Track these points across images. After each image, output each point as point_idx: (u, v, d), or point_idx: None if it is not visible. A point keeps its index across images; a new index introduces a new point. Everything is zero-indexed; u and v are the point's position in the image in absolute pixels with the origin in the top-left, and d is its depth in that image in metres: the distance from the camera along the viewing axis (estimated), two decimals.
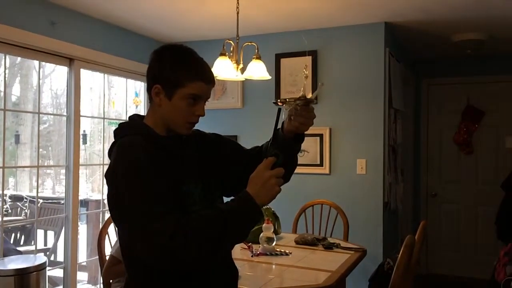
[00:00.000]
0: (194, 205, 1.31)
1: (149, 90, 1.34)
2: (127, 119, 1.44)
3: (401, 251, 1.86)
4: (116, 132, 1.38)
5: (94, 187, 7.17)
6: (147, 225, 1.15)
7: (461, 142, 4.91)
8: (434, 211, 5.09)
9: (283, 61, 3.94)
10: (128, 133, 1.32)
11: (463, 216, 4.95)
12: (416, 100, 5.09)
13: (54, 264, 4.24)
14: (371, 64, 3.65)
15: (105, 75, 3.84)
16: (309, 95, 1.40)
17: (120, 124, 1.39)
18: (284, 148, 1.39)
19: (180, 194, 1.28)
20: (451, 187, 5.00)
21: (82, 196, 5.16)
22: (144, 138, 1.29)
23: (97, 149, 7.18)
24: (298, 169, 4.19)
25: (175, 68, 1.30)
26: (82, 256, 4.68)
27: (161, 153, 1.29)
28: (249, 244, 2.61)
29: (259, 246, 2.59)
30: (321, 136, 3.79)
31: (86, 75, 3.72)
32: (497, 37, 3.92)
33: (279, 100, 1.41)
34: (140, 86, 4.27)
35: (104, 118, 3.92)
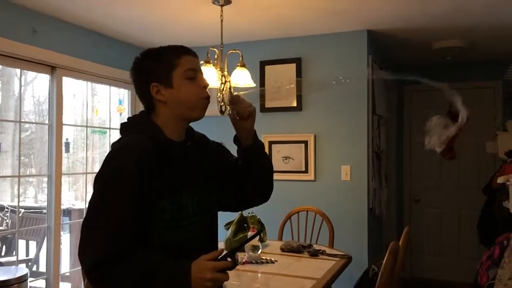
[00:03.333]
0: (187, 218, 1.30)
1: (147, 96, 1.32)
2: (123, 120, 1.41)
3: (385, 258, 1.88)
4: (123, 127, 1.35)
5: (77, 195, 7.07)
6: (89, 241, 1.18)
7: (443, 148, 4.98)
8: (417, 216, 5.14)
9: (268, 68, 3.96)
10: (136, 131, 1.30)
11: (446, 221, 5.02)
12: (399, 106, 5.15)
13: (36, 275, 4.17)
14: (355, 71, 3.69)
15: (88, 82, 3.80)
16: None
17: (129, 119, 1.38)
18: (247, 157, 1.40)
19: (170, 207, 1.26)
20: (434, 192, 5.07)
21: (65, 205, 5.09)
22: (148, 139, 1.27)
23: (80, 157, 7.10)
24: (283, 176, 4.23)
25: (160, 59, 1.31)
26: (65, 267, 4.60)
27: (163, 159, 1.27)
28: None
29: (245, 255, 2.58)
30: (305, 143, 3.81)
31: (69, 82, 3.68)
32: (476, 44, 4.00)
33: (222, 107, 1.43)
34: (123, 94, 4.24)
35: (87, 126, 3.87)
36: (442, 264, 4.99)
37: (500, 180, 3.23)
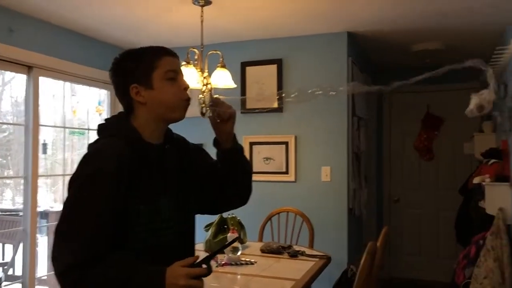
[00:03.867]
0: (163, 222, 1.29)
1: (127, 97, 1.30)
2: (103, 120, 1.38)
3: (363, 258, 1.89)
4: (100, 129, 1.33)
5: (56, 197, 6.95)
6: (63, 244, 1.16)
7: (422, 149, 5.06)
8: (396, 216, 5.21)
9: (249, 69, 3.96)
10: (112, 134, 1.28)
11: (424, 221, 5.09)
12: (378, 108, 5.21)
13: (12, 279, 4.08)
14: (335, 73, 3.72)
15: (67, 83, 3.74)
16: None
17: (106, 120, 1.35)
18: (227, 159, 1.40)
19: (147, 210, 1.25)
20: (413, 193, 5.14)
21: (42, 207, 5.00)
22: (125, 142, 1.25)
23: (60, 159, 6.99)
24: (264, 177, 4.24)
25: (139, 59, 1.30)
26: (42, 270, 4.52)
27: (139, 162, 1.25)
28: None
29: (224, 256, 2.57)
30: (286, 144, 3.82)
31: (49, 82, 3.62)
32: (454, 46, 4.07)
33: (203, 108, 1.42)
34: (103, 94, 4.19)
35: (65, 127, 3.81)
36: (421, 264, 5.06)
37: (476, 180, 3.29)
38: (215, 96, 1.42)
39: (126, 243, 1.22)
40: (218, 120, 1.37)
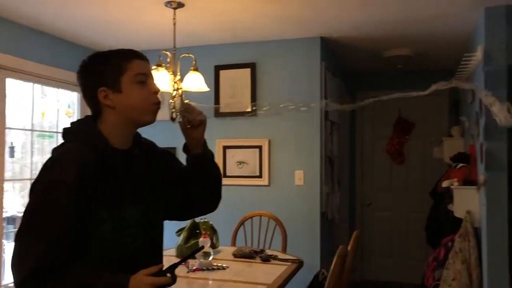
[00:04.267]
0: (128, 228, 1.26)
1: (94, 101, 1.27)
2: (71, 122, 1.34)
3: (333, 262, 1.90)
4: (65, 133, 1.30)
5: (25, 202, 6.76)
6: (24, 251, 1.13)
7: (393, 153, 5.14)
8: (369, 219, 5.27)
9: (222, 73, 3.94)
10: (76, 139, 1.25)
11: (395, 224, 5.17)
12: (351, 112, 5.27)
13: None
14: (308, 77, 3.74)
15: (35, 84, 3.65)
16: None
17: (72, 124, 1.32)
18: (196, 165, 1.39)
19: (111, 217, 1.23)
20: (385, 196, 5.21)
21: (9, 212, 4.84)
22: (89, 148, 1.22)
23: (29, 162, 6.80)
24: (237, 181, 4.22)
25: (108, 62, 1.27)
26: (10, 277, 4.38)
27: (104, 169, 1.22)
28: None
29: (196, 261, 2.54)
30: (260, 148, 3.82)
31: (18, 84, 3.52)
32: (424, 53, 4.16)
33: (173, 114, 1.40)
34: (73, 97, 4.10)
35: (32, 130, 3.71)
36: (392, 266, 5.13)
37: (445, 184, 3.35)
38: (186, 101, 1.40)
39: (89, 251, 1.19)
40: (188, 126, 1.35)
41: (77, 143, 1.24)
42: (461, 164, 3.37)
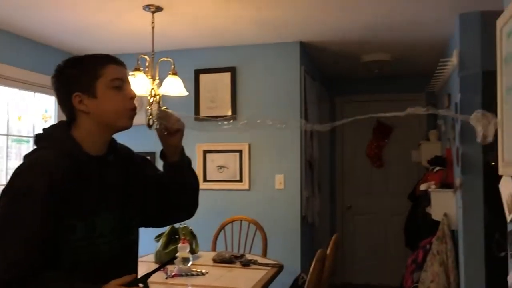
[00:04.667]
0: (102, 236, 1.24)
1: (69, 106, 1.25)
2: (49, 127, 1.31)
3: (312, 266, 1.91)
4: (37, 139, 1.27)
5: None
6: None
7: (372, 156, 5.20)
8: (349, 223, 5.31)
9: (202, 77, 3.93)
10: (46, 146, 1.22)
11: (375, 226, 5.22)
12: (331, 116, 5.31)
13: None
14: (288, 82, 3.76)
15: (10, 89, 3.57)
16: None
17: (44, 130, 1.29)
18: (173, 173, 1.37)
19: (83, 225, 1.20)
20: (364, 199, 5.26)
21: None
22: (61, 155, 1.19)
23: (4, 167, 6.65)
24: (217, 185, 4.19)
25: (83, 67, 1.26)
26: None
27: (77, 176, 1.20)
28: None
29: (175, 267, 2.52)
30: (240, 152, 3.82)
31: None
32: (401, 58, 4.22)
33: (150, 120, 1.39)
34: (50, 101, 4.03)
35: (8, 135, 3.63)
36: (372, 269, 5.17)
37: (422, 187, 3.40)
38: (163, 108, 1.38)
39: (62, 259, 1.16)
40: (165, 133, 1.33)
41: (49, 149, 1.21)
42: (438, 168, 3.42)
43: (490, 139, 1.46)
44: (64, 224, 1.17)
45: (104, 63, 1.26)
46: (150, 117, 1.31)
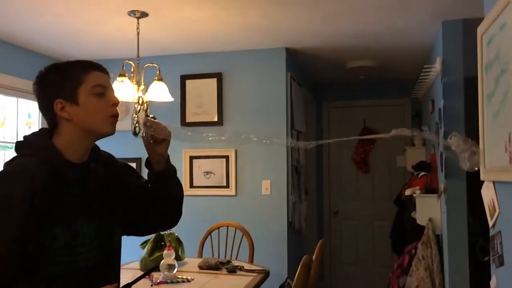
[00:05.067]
0: (83, 244, 1.22)
1: (51, 113, 1.24)
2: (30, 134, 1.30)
3: (297, 272, 1.91)
4: (17, 146, 1.25)
5: None
6: None
7: (359, 162, 5.23)
8: (336, 228, 5.33)
9: (189, 82, 3.92)
10: (27, 153, 1.20)
11: (362, 232, 5.24)
12: (318, 122, 5.34)
13: None
14: (274, 87, 3.77)
15: None
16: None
17: (25, 137, 1.27)
18: (158, 182, 1.36)
19: (64, 233, 1.19)
20: (351, 204, 5.28)
21: None
22: (42, 162, 1.18)
23: None
24: (204, 191, 4.18)
25: (65, 73, 1.24)
26: None
27: (57, 184, 1.19)
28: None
29: (160, 274, 2.49)
30: (227, 157, 3.81)
31: None
32: (386, 64, 4.26)
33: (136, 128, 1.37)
34: (33, 107, 3.98)
35: None
36: (359, 274, 5.18)
37: (407, 192, 3.43)
38: (151, 116, 1.37)
39: (42, 268, 1.14)
40: (151, 141, 1.32)
41: (29, 157, 1.20)
42: (422, 173, 3.45)
43: (476, 168, 1.48)
44: (46, 232, 1.15)
45: (86, 69, 1.25)
46: (137, 125, 1.29)
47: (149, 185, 1.40)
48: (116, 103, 1.27)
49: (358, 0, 2.71)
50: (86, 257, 1.23)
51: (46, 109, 1.26)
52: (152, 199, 1.38)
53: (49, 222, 1.16)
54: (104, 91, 1.26)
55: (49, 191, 1.16)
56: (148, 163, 1.38)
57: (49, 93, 1.24)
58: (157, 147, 1.33)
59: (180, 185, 1.45)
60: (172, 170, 1.40)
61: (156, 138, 1.31)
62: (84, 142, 1.27)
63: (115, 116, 1.27)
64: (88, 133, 1.26)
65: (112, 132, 1.28)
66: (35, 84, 1.27)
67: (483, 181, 1.53)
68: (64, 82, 1.23)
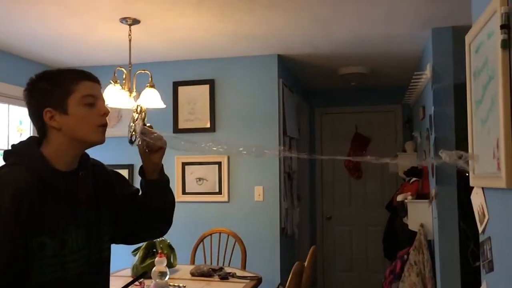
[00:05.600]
0: (71, 253, 1.22)
1: (40, 122, 1.23)
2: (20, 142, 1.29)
3: (289, 278, 1.90)
4: (5, 155, 1.24)
5: None
6: None
7: (351, 168, 5.24)
8: (329, 234, 5.33)
9: (181, 89, 3.92)
10: (14, 162, 1.20)
11: (355, 237, 5.25)
12: (310, 128, 5.35)
13: None
14: (266, 94, 3.78)
15: None
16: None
17: (13, 146, 1.26)
18: (150, 190, 1.36)
19: (52, 242, 1.18)
20: (344, 210, 5.29)
21: None
22: (29, 171, 1.17)
23: None
24: (196, 198, 4.16)
25: (55, 82, 1.24)
26: None
27: (45, 192, 1.18)
28: (141, 280, 2.49)
29: (151, 282, 2.48)
30: (219, 164, 3.81)
31: None
32: (377, 70, 4.30)
33: (132, 137, 1.37)
34: (24, 113, 3.96)
35: None
36: (353, 279, 5.18)
37: (399, 198, 3.44)
38: (148, 124, 1.38)
39: (30, 277, 1.13)
40: (147, 150, 1.33)
41: (17, 166, 1.19)
42: (414, 178, 3.47)
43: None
44: (34, 241, 1.14)
45: (76, 79, 1.25)
46: (133, 133, 1.29)
47: (140, 193, 1.40)
48: (106, 113, 1.27)
49: (349, 8, 2.73)
50: (74, 266, 1.22)
51: (35, 117, 1.25)
52: (143, 207, 1.38)
53: (37, 231, 1.15)
54: (94, 101, 1.26)
55: (37, 200, 1.15)
56: (141, 171, 1.38)
57: (39, 102, 1.24)
58: (152, 156, 1.33)
59: (172, 195, 1.45)
60: (165, 180, 1.41)
61: (151, 147, 1.32)
62: (73, 150, 1.26)
63: (104, 126, 1.28)
64: (77, 142, 1.26)
65: (102, 141, 1.28)
66: (25, 91, 1.27)
67: (473, 187, 1.54)
68: (54, 91, 1.23)
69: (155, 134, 1.32)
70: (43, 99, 1.23)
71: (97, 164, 1.39)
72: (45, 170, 1.21)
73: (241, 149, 1.41)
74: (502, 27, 1.18)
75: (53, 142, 1.24)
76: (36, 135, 1.31)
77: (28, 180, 1.16)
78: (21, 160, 1.21)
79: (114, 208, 1.36)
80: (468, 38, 1.55)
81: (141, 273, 1.50)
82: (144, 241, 1.50)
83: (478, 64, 1.45)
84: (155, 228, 1.45)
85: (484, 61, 1.38)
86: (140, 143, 1.32)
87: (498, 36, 1.20)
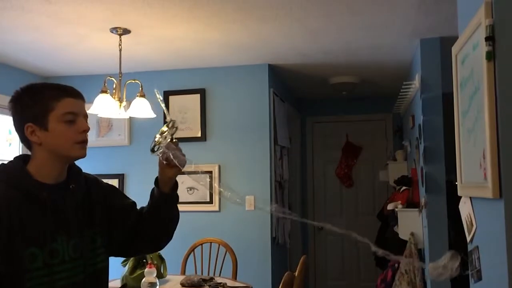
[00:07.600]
0: (63, 263, 1.21)
1: (22, 136, 1.24)
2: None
3: None
4: None
5: None
6: None
7: (342, 176, 5.26)
8: (321, 243, 5.32)
9: (172, 98, 3.92)
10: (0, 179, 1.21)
11: (346, 246, 5.24)
12: (301, 137, 5.37)
13: None
14: (257, 103, 3.79)
15: None
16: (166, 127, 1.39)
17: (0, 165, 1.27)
18: (158, 203, 1.37)
19: (41, 253, 1.18)
20: (335, 219, 5.28)
21: None
22: (11, 187, 1.18)
23: None
24: (187, 207, 4.15)
25: (37, 98, 1.24)
26: None
27: (28, 206, 1.18)
28: None
29: None
30: (210, 173, 3.80)
31: None
32: (367, 80, 4.33)
33: (155, 147, 1.37)
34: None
35: None
36: None
37: (389, 206, 3.46)
38: (175, 140, 1.38)
39: None
40: (165, 163, 1.33)
41: (0, 182, 1.21)
42: (404, 187, 3.49)
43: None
44: (25, 253, 1.15)
45: (58, 96, 1.25)
46: (159, 145, 1.30)
47: (148, 203, 1.40)
48: (85, 130, 1.28)
49: (340, 18, 2.76)
50: (66, 276, 1.22)
51: (19, 130, 1.27)
52: (147, 217, 1.39)
53: (25, 243, 1.15)
54: (74, 118, 1.26)
55: (21, 213, 1.16)
56: (156, 181, 1.39)
57: (21, 116, 1.25)
58: (168, 170, 1.34)
59: (178, 211, 1.46)
60: (175, 196, 1.41)
61: (171, 161, 1.32)
62: (56, 165, 1.27)
63: (84, 142, 1.28)
64: (59, 157, 1.27)
65: (82, 155, 1.29)
66: (10, 102, 1.27)
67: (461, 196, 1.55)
68: (35, 107, 1.23)
69: (178, 151, 1.32)
70: (25, 114, 1.24)
71: (90, 178, 1.40)
72: (27, 183, 1.22)
73: (238, 200, 1.43)
74: (487, 39, 1.20)
75: (37, 156, 1.26)
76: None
77: (9, 195, 1.17)
78: (3, 177, 1.22)
79: (110, 220, 1.37)
80: (454, 49, 1.57)
81: (121, 285, 1.49)
82: (142, 254, 1.50)
83: (464, 75, 1.47)
84: (155, 240, 1.45)
85: (470, 72, 1.40)
86: (161, 154, 1.32)
87: (483, 48, 1.22)
